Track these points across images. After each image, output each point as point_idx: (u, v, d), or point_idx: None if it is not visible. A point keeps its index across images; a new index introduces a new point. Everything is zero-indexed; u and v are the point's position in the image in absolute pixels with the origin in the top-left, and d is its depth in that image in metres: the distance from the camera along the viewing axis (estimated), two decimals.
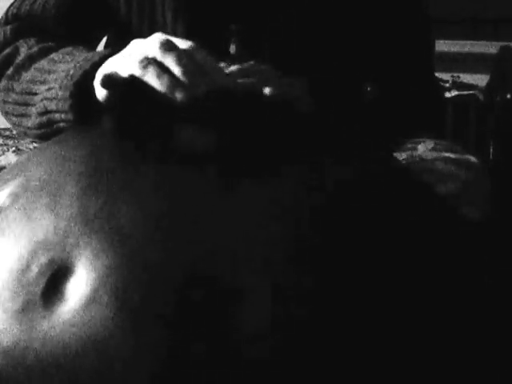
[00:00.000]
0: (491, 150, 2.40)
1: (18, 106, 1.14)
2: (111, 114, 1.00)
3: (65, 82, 1.04)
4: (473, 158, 1.23)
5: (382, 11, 1.25)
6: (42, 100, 1.08)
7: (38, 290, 0.80)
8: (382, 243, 0.84)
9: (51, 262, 0.80)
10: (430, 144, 1.24)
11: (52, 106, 1.06)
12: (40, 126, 1.10)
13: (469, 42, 2.77)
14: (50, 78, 1.08)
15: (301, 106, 1.03)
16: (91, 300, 0.77)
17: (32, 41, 1.18)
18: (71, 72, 1.04)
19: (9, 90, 1.16)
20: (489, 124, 2.47)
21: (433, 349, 0.81)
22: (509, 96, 2.37)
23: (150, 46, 0.95)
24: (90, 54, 1.05)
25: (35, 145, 1.25)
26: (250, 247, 0.79)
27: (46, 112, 1.07)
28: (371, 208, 0.86)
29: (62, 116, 1.05)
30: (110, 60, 0.99)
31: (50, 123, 1.08)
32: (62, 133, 1.03)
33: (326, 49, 1.21)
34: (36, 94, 1.10)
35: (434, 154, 1.22)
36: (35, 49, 1.16)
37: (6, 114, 1.18)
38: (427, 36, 1.33)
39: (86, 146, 0.92)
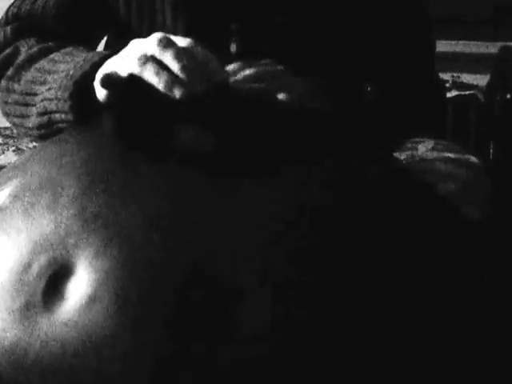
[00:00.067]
0: (491, 150, 2.40)
1: (18, 107, 1.14)
2: (111, 114, 0.99)
3: (64, 82, 1.04)
4: (473, 158, 1.24)
5: (382, 11, 1.25)
6: (42, 100, 1.08)
7: (39, 289, 0.80)
8: (382, 243, 0.84)
9: (51, 261, 0.80)
10: (430, 144, 1.24)
11: (52, 106, 1.06)
12: (40, 126, 1.10)
13: (469, 42, 2.77)
14: (50, 79, 1.08)
15: (315, 110, 1.04)
16: (91, 300, 0.77)
17: (32, 41, 1.18)
18: (71, 72, 1.04)
19: (9, 90, 1.16)
20: (489, 124, 2.47)
21: (433, 349, 0.81)
22: (509, 96, 2.37)
23: (148, 44, 0.95)
24: (89, 55, 1.05)
25: (35, 144, 1.25)
26: (250, 247, 0.79)
27: (46, 112, 1.07)
28: (371, 208, 0.86)
29: (62, 116, 1.05)
30: (110, 60, 0.99)
31: (50, 123, 1.08)
32: (61, 133, 1.03)
33: (326, 49, 1.21)
34: (36, 94, 1.10)
35: (434, 154, 1.22)
36: (35, 49, 1.16)
37: (7, 115, 1.18)
38: (427, 36, 1.33)
39: (86, 145, 0.92)
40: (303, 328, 0.77)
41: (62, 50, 1.12)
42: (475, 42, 2.77)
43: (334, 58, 1.21)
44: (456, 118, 2.55)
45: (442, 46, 2.45)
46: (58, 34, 1.20)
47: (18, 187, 0.88)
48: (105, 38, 1.32)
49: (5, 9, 1.25)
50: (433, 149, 1.23)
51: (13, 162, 1.06)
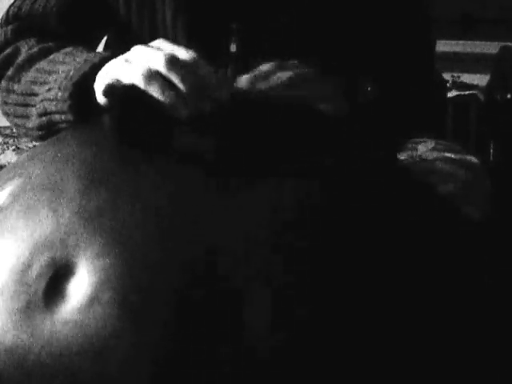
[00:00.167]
0: (491, 150, 2.40)
1: (18, 107, 1.14)
2: (111, 114, 0.99)
3: (64, 83, 1.04)
4: (473, 158, 1.24)
5: (382, 11, 1.25)
6: (42, 101, 1.08)
7: (39, 289, 0.80)
8: (382, 243, 0.84)
9: (52, 261, 0.80)
10: (431, 144, 1.24)
11: (52, 107, 1.06)
12: (40, 127, 1.10)
13: (469, 42, 2.77)
14: (50, 79, 1.08)
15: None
16: (92, 300, 0.77)
17: (32, 41, 1.18)
18: (71, 73, 1.04)
19: (9, 90, 1.16)
20: (489, 124, 2.47)
21: (433, 348, 0.81)
22: (509, 96, 2.37)
23: (153, 57, 0.94)
24: (90, 56, 1.05)
25: (35, 143, 1.25)
26: (250, 247, 0.79)
27: (46, 113, 1.07)
28: (371, 208, 0.86)
29: (62, 117, 1.05)
30: (111, 63, 0.99)
31: (50, 124, 1.08)
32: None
33: (326, 48, 1.21)
34: (36, 94, 1.10)
35: (435, 154, 1.22)
36: (35, 49, 1.15)
37: (7, 115, 1.18)
38: (427, 36, 1.33)
39: (87, 146, 0.92)
40: (303, 328, 0.77)
41: (62, 51, 1.12)
42: (475, 42, 2.77)
43: (333, 58, 1.21)
44: (456, 117, 2.55)
45: (442, 46, 2.45)
46: (59, 34, 1.20)
47: (19, 187, 0.88)
48: (105, 38, 1.32)
49: (5, 9, 1.25)
50: (433, 149, 1.23)
51: (13, 161, 1.06)
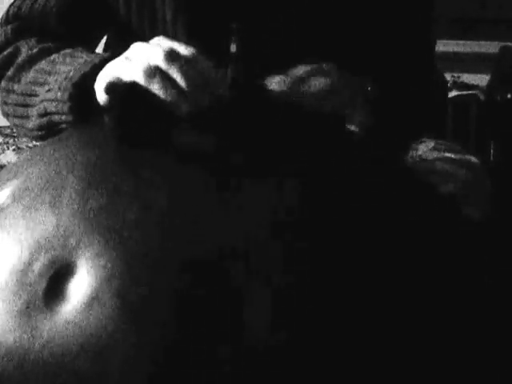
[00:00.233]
0: (491, 150, 2.40)
1: (18, 108, 1.14)
2: (111, 115, 0.99)
3: (64, 83, 1.04)
4: (473, 158, 1.24)
5: (382, 11, 1.25)
6: (42, 101, 1.08)
7: (40, 289, 0.80)
8: (382, 243, 0.84)
9: (52, 261, 0.80)
10: (431, 144, 1.24)
11: (52, 107, 1.06)
12: (40, 127, 1.10)
13: (469, 42, 2.77)
14: (51, 80, 1.08)
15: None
16: (92, 300, 0.77)
17: (33, 41, 1.18)
18: (71, 74, 1.04)
19: (9, 91, 1.16)
20: (489, 124, 2.47)
21: (433, 348, 0.81)
22: (509, 96, 2.37)
23: (153, 53, 0.94)
24: (90, 56, 1.05)
25: (35, 143, 1.24)
26: (250, 247, 0.79)
27: (46, 114, 1.07)
28: (371, 208, 0.86)
29: (62, 118, 1.05)
30: (111, 63, 0.99)
31: (50, 125, 1.08)
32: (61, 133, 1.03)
33: (326, 48, 1.21)
34: (36, 95, 1.10)
35: (435, 154, 1.22)
36: (36, 50, 1.15)
37: (7, 115, 1.18)
38: (428, 36, 1.33)
39: (87, 146, 0.92)
40: (303, 328, 0.77)
41: (62, 52, 1.12)
42: (475, 42, 2.76)
43: (333, 58, 1.21)
44: (456, 117, 2.55)
45: (442, 46, 2.45)
46: (59, 34, 1.20)
47: (19, 187, 0.88)
48: (105, 38, 1.32)
49: (5, 9, 1.25)
50: (433, 149, 1.23)
51: (13, 161, 1.06)
